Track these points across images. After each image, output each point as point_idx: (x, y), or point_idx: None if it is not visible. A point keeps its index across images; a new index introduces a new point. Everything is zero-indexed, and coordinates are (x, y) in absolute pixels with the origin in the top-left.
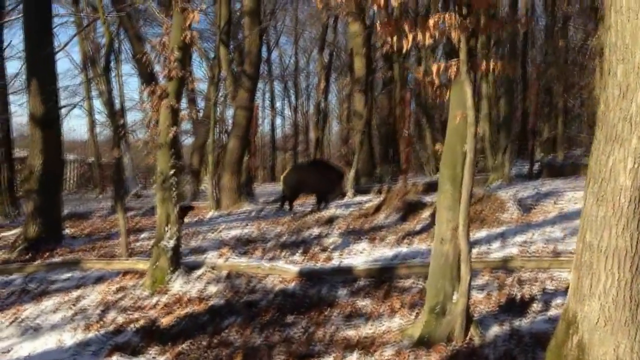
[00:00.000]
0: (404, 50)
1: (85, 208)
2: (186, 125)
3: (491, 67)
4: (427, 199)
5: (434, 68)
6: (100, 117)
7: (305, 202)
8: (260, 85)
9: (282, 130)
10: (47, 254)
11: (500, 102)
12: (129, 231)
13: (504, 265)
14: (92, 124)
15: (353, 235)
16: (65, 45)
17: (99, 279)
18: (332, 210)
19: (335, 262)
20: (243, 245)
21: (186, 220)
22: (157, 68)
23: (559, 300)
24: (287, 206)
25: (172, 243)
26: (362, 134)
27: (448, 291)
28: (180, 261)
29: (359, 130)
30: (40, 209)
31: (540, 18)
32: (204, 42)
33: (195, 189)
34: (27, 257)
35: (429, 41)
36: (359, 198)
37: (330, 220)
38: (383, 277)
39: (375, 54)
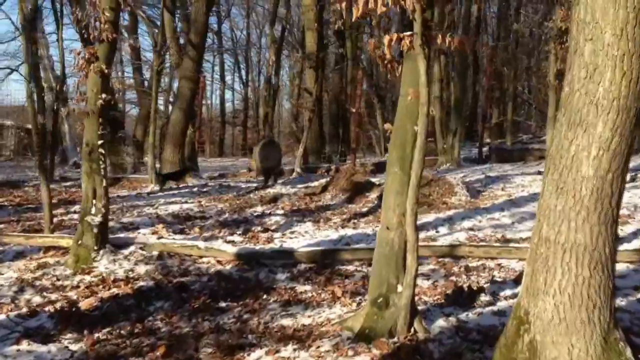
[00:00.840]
0: (353, 19)
1: (20, 176)
2: (131, 95)
3: (447, 41)
4: (376, 179)
5: (386, 40)
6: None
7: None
8: (210, 57)
9: (233, 105)
10: None
11: (452, 86)
12: (61, 203)
13: (452, 253)
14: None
15: (297, 215)
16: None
17: (18, 255)
18: (277, 189)
19: (276, 244)
20: (180, 222)
21: (124, 193)
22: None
23: (507, 292)
24: (271, 181)
25: (98, 219)
26: (312, 112)
27: (392, 282)
28: (107, 238)
29: (309, 108)
30: None
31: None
32: (149, 10)
33: (136, 161)
34: None
35: (381, 10)
36: (306, 177)
37: (274, 199)
38: (326, 262)
39: (328, 30)
